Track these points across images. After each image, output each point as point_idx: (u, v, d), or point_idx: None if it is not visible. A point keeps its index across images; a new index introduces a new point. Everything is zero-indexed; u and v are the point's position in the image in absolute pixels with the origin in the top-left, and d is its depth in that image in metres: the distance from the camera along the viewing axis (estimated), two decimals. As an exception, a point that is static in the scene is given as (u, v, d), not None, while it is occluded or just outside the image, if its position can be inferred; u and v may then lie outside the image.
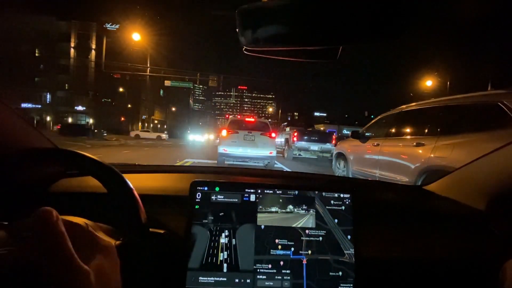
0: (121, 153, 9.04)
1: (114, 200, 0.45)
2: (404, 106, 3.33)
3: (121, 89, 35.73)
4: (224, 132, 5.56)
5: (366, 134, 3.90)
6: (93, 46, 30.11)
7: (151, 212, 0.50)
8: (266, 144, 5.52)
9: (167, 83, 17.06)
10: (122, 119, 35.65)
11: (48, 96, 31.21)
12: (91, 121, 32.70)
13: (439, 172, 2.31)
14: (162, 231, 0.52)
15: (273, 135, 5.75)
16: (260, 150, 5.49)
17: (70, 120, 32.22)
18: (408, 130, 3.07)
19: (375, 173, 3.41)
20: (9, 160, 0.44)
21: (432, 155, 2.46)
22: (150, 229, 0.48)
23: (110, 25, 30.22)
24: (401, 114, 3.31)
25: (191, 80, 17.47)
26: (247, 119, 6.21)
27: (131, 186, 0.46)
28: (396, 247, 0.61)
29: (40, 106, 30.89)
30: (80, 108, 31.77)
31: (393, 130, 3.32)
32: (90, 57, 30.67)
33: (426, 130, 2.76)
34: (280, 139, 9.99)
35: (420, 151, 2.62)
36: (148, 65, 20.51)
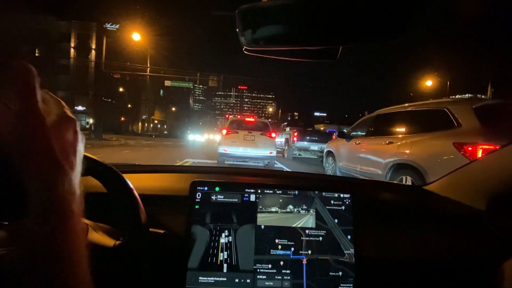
0: (121, 153, 9.03)
1: (114, 200, 0.45)
2: (380, 110, 3.82)
3: (121, 89, 35.74)
4: (224, 132, 5.53)
5: (352, 133, 4.41)
6: (93, 46, 30.12)
7: (151, 212, 0.50)
8: (266, 144, 5.51)
9: (167, 83, 17.00)
10: (122, 119, 35.71)
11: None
12: (91, 121, 32.76)
13: (402, 165, 2.88)
14: (162, 231, 0.52)
15: (273, 135, 5.75)
16: (260, 150, 5.48)
17: (70, 119, 32.23)
18: (382, 130, 3.58)
19: (356, 167, 3.89)
20: (9, 160, 0.44)
21: (397, 151, 2.96)
22: (150, 229, 0.48)
23: (110, 25, 30.25)
24: (378, 117, 3.81)
25: (191, 80, 17.37)
26: (247, 119, 6.16)
27: (131, 186, 0.46)
28: (396, 247, 0.61)
29: (40, 106, 30.92)
30: (80, 108, 31.79)
31: (371, 130, 3.83)
32: (90, 57, 30.70)
33: (395, 131, 3.30)
34: (280, 139, 9.90)
35: (390, 148, 3.13)
36: (148, 65, 20.48)
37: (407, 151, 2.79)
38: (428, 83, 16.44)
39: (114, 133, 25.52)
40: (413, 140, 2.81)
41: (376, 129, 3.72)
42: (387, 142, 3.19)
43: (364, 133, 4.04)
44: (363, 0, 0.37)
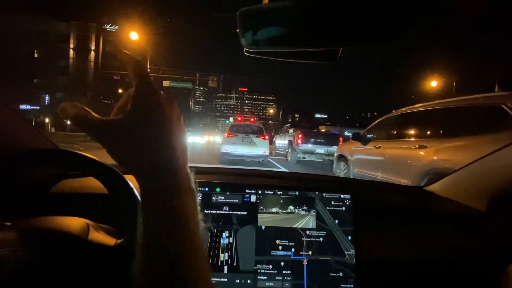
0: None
1: (115, 200, 0.46)
2: (406, 108, 3.30)
3: (121, 91, 35.84)
4: (225, 135, 6.81)
5: (368, 136, 3.91)
6: (92, 47, 30.35)
7: None
8: (261, 144, 6.67)
9: (165, 83, 16.75)
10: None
11: (47, 97, 31.34)
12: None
13: (442, 174, 2.29)
14: None
15: (266, 137, 6.98)
16: (255, 150, 6.61)
17: (69, 122, 32.31)
18: (410, 132, 3.07)
19: (376, 175, 3.47)
20: (11, 161, 0.45)
21: (435, 158, 2.45)
22: None
23: (110, 26, 30.50)
24: (403, 116, 3.28)
25: (190, 81, 17.16)
26: (244, 123, 7.58)
27: (132, 186, 0.47)
28: (396, 248, 0.62)
29: (38, 107, 31.03)
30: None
31: (395, 132, 3.32)
32: (89, 58, 30.89)
33: (429, 132, 2.79)
34: (282, 141, 9.69)
35: (423, 154, 2.61)
36: (149, 66, 20.46)
37: (449, 158, 2.27)
38: (433, 83, 16.29)
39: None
40: (456, 144, 2.28)
41: (401, 131, 3.17)
42: (417, 146, 2.69)
43: (385, 136, 3.50)
44: (363, 2, 0.38)
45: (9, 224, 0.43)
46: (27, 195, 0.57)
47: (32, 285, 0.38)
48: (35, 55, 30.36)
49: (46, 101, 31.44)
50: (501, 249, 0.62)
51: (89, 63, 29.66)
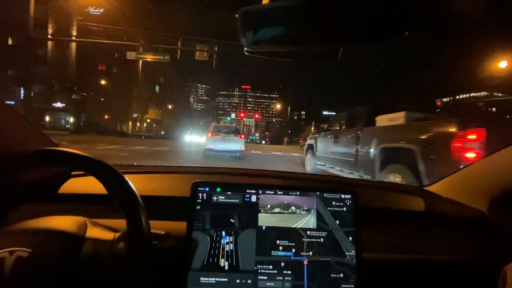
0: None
1: (115, 201, 0.47)
2: None
3: (106, 83, 32.26)
4: (209, 135, 8.94)
5: None
6: (74, 33, 26.64)
7: (152, 213, 0.52)
8: (238, 142, 8.88)
9: (130, 55, 12.13)
10: (106, 117, 32.02)
11: (22, 91, 27.88)
12: (71, 119, 29.38)
13: None
14: (163, 232, 0.55)
15: (242, 136, 9.27)
16: (234, 146, 8.73)
17: (47, 118, 28.87)
18: None
19: None
20: (13, 161, 0.46)
21: None
22: (151, 230, 0.51)
23: (94, 9, 26.88)
24: None
25: (168, 51, 12.07)
26: (224, 125, 10.59)
27: (133, 187, 0.48)
28: (397, 248, 0.65)
29: (13, 102, 27.62)
30: (59, 105, 28.37)
31: None
32: (70, 47, 27.30)
33: None
34: (341, 149, 4.51)
35: None
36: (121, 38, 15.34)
37: None
38: (502, 64, 12.20)
39: (97, 134, 22.03)
40: None
41: None
42: None
43: None
44: (363, 1, 0.39)
45: (10, 225, 0.45)
46: (30, 195, 0.58)
47: (32, 285, 0.40)
48: (9, 42, 26.87)
49: (21, 95, 27.97)
50: (501, 249, 0.64)
51: (70, 51, 25.99)
